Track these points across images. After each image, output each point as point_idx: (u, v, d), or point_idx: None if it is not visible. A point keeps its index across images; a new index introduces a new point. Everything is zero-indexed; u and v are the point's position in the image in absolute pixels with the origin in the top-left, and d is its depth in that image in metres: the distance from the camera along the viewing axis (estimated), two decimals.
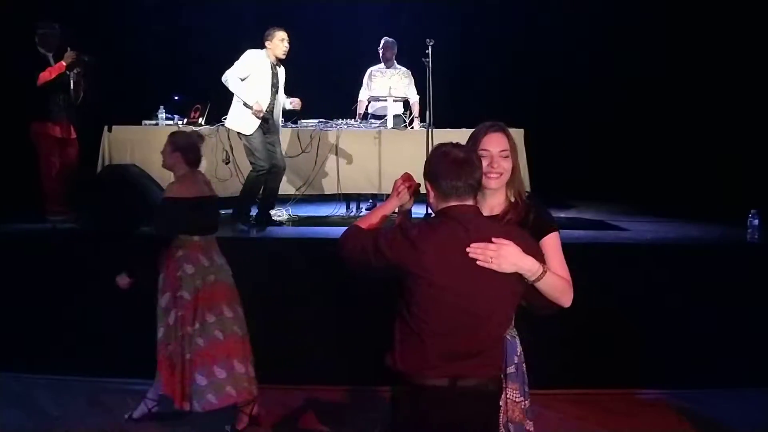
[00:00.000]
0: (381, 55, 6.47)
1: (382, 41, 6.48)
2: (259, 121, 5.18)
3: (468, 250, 1.91)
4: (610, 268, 4.39)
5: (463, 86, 7.47)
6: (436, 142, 5.27)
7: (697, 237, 5.03)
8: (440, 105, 5.39)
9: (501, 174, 2.14)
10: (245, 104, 5.18)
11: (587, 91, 7.43)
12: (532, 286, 2.01)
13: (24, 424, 3.71)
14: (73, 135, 5.71)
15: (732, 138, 6.63)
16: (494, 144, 2.16)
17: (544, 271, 1.99)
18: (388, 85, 6.08)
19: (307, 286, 4.35)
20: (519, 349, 2.20)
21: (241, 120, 5.25)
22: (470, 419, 1.97)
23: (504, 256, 1.91)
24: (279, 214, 5.82)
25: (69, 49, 5.49)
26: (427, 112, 5.36)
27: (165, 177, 5.77)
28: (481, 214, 2.07)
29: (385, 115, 6.21)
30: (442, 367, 1.94)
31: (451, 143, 2.09)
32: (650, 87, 7.30)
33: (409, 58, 5.91)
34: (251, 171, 5.33)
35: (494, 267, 1.91)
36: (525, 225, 2.13)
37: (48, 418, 3.80)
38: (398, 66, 6.47)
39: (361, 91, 6.58)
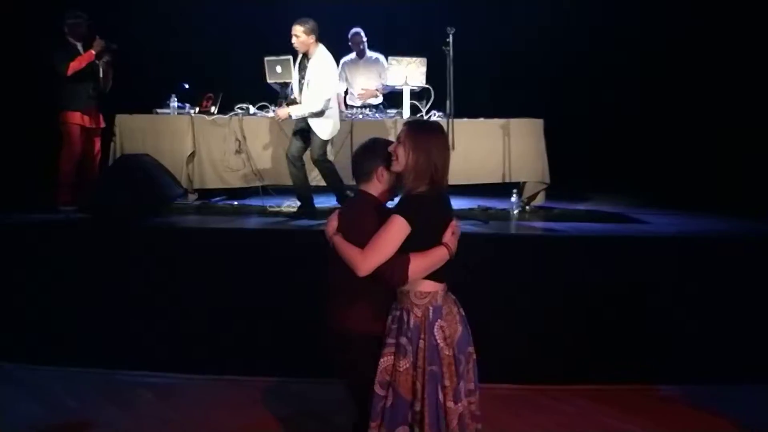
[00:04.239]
0: (356, 44, 6.52)
1: (352, 32, 6.52)
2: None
3: None
4: (632, 261, 4.31)
5: (479, 76, 7.36)
6: (455, 132, 5.29)
7: (722, 230, 4.93)
8: (460, 94, 5.30)
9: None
10: None
11: (606, 81, 7.34)
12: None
13: (40, 415, 3.66)
14: (102, 124, 5.74)
15: (757, 129, 6.51)
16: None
17: (331, 238, 2.43)
18: (404, 73, 5.98)
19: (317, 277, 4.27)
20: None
21: None
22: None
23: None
24: (292, 205, 5.74)
25: (98, 37, 5.47)
26: (448, 101, 5.27)
27: (177, 166, 5.76)
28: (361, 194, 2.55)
29: (362, 105, 6.39)
30: None
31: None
32: (672, 77, 7.20)
33: (429, 47, 5.80)
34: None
35: None
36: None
37: (64, 409, 3.75)
38: (371, 53, 6.55)
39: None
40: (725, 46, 6.87)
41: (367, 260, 2.27)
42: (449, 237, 2.34)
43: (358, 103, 6.54)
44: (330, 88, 4.99)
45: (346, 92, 6.66)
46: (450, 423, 2.27)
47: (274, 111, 5.62)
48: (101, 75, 5.58)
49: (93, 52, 5.45)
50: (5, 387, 4.03)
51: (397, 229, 2.27)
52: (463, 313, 2.42)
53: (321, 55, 4.95)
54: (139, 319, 4.30)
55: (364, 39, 6.53)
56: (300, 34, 4.86)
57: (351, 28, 6.59)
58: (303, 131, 5.11)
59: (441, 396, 2.27)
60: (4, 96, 6.56)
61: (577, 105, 7.31)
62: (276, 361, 4.20)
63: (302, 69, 5.07)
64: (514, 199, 5.74)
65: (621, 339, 4.17)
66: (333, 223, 2.47)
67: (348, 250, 2.34)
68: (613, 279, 4.24)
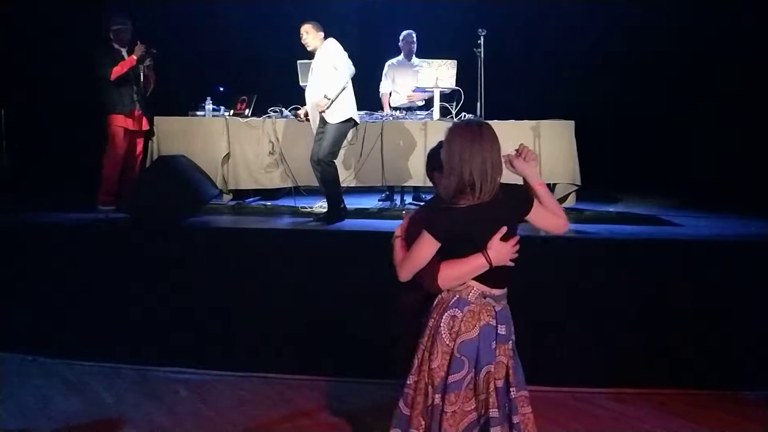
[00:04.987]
0: (403, 47, 6.50)
1: (405, 33, 6.49)
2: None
3: None
4: (666, 264, 4.26)
5: (509, 77, 7.34)
6: None
7: (756, 233, 4.83)
8: (490, 96, 5.29)
9: None
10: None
11: (637, 83, 7.25)
12: None
13: (78, 410, 3.77)
14: (146, 126, 5.91)
15: None
16: None
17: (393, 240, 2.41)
18: (435, 75, 5.99)
19: (349, 278, 4.32)
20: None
21: None
22: None
23: None
24: (323, 206, 5.81)
25: (138, 42, 5.67)
26: (479, 103, 5.26)
27: (212, 167, 5.87)
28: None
29: (408, 107, 6.34)
30: None
31: None
32: (706, 76, 7.08)
33: (460, 48, 5.80)
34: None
35: None
36: None
37: (101, 404, 3.86)
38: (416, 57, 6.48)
39: (382, 84, 6.59)
40: (759, 44, 6.72)
41: (402, 270, 2.29)
42: (495, 244, 2.21)
43: (406, 104, 6.53)
44: (348, 63, 5.06)
45: (390, 93, 6.64)
46: (413, 401, 2.29)
47: (299, 113, 5.62)
48: (142, 79, 5.75)
49: (134, 57, 5.63)
50: (45, 381, 4.15)
51: (425, 245, 2.22)
52: (501, 332, 2.26)
53: (330, 42, 5.09)
54: (173, 316, 4.40)
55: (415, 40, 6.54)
56: (310, 31, 5.04)
57: (383, 30, 6.63)
58: (322, 134, 5.16)
59: (426, 377, 2.27)
60: (59, 99, 6.80)
61: (608, 106, 7.24)
62: (305, 360, 4.26)
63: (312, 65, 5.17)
64: None
65: (655, 342, 4.11)
66: (402, 223, 2.43)
67: (395, 256, 2.35)
68: (644, 281, 4.19)
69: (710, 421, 3.71)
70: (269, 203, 6.27)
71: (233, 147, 6.05)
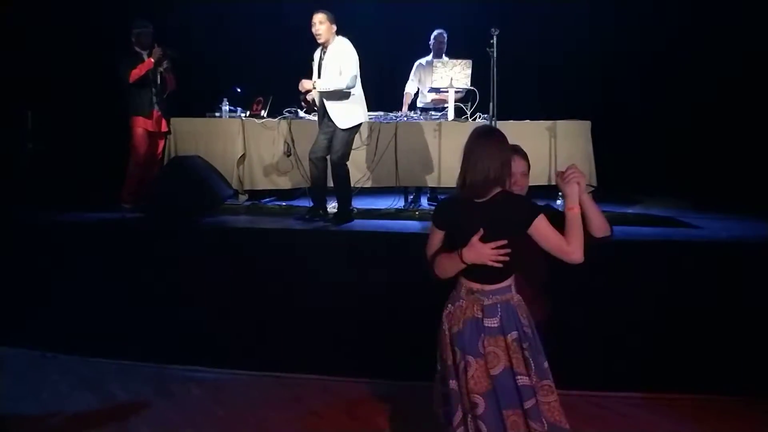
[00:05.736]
0: (433, 45, 6.45)
1: (436, 32, 6.43)
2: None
3: None
4: (684, 266, 4.19)
5: (525, 77, 7.29)
6: None
7: None
8: (504, 96, 5.26)
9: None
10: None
11: (654, 83, 7.16)
12: None
13: (94, 405, 3.84)
14: (164, 128, 5.99)
15: None
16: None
17: None
18: (449, 75, 5.97)
19: (363, 278, 4.33)
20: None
21: None
22: None
23: None
24: (334, 206, 5.82)
25: (156, 45, 5.76)
26: (491, 104, 5.23)
27: (228, 168, 5.93)
28: None
29: (434, 107, 6.30)
30: None
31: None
32: (724, 76, 6.95)
33: (473, 48, 5.77)
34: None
35: None
36: None
37: (115, 401, 3.92)
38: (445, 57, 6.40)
39: (408, 84, 6.55)
40: None
41: (426, 257, 2.55)
42: (472, 243, 2.36)
43: (432, 105, 6.49)
44: (355, 70, 4.96)
45: (416, 93, 6.63)
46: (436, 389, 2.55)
47: (306, 98, 5.44)
48: (159, 81, 5.84)
49: (152, 60, 5.71)
50: (62, 377, 4.22)
51: (431, 232, 2.51)
52: (490, 325, 2.38)
53: (344, 41, 4.99)
54: (188, 315, 4.45)
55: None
56: (324, 21, 4.90)
57: (400, 29, 6.61)
58: (328, 132, 5.10)
59: (439, 366, 2.54)
60: (89, 102, 6.93)
61: (625, 106, 7.16)
62: (317, 360, 4.28)
63: (321, 60, 5.06)
64: (560, 202, 5.66)
65: (668, 345, 4.06)
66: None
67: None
68: (657, 283, 4.14)
69: (722, 427, 3.66)
70: (284, 203, 6.30)
71: (249, 148, 6.09)
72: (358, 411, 3.79)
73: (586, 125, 5.88)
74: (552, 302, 2.77)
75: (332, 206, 5.74)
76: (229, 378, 4.27)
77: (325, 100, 5.00)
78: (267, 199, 6.54)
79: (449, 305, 2.47)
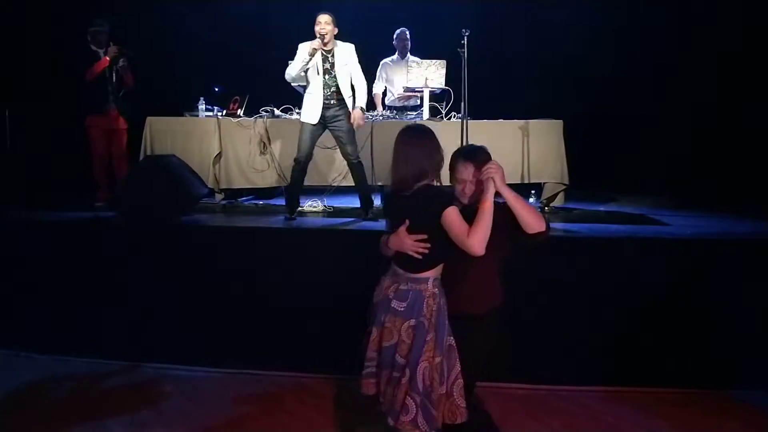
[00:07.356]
0: (397, 44, 6.54)
1: (399, 31, 6.52)
2: (312, 114, 5.18)
3: None
4: (648, 262, 4.29)
5: (500, 77, 7.37)
6: (472, 133, 5.32)
7: (743, 232, 4.86)
8: (475, 96, 5.33)
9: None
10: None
11: (626, 82, 7.27)
12: None
13: (67, 405, 3.86)
14: (122, 126, 5.97)
15: None
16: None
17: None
18: (424, 75, 6.03)
19: (338, 276, 4.38)
20: None
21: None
22: None
23: None
24: (314, 204, 5.87)
25: (111, 44, 5.76)
26: (462, 103, 5.30)
27: (204, 167, 5.93)
28: None
29: (402, 106, 6.40)
30: None
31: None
32: (696, 76, 7.09)
33: (444, 48, 5.83)
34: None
35: None
36: None
37: (90, 400, 3.93)
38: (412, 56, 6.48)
39: (375, 84, 6.62)
40: (749, 45, 6.75)
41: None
42: (398, 231, 2.60)
43: (399, 103, 6.57)
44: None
45: (384, 93, 6.70)
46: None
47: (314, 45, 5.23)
48: (114, 80, 5.83)
49: (107, 58, 5.72)
50: (36, 377, 4.23)
51: None
52: (397, 307, 2.59)
53: (351, 46, 5.22)
54: (163, 314, 4.48)
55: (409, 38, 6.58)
56: (330, 23, 5.07)
57: (378, 29, 6.64)
58: (317, 135, 5.23)
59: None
60: (59, 99, 6.89)
61: (597, 105, 7.25)
62: (293, 358, 4.33)
63: (324, 60, 5.15)
64: (532, 200, 5.76)
65: (636, 341, 4.16)
66: None
67: None
68: (625, 280, 4.23)
69: (690, 419, 3.76)
70: (261, 202, 6.33)
71: (225, 146, 6.10)
72: (331, 408, 3.84)
73: (558, 124, 5.96)
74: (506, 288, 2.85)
75: (309, 204, 5.82)
76: (203, 375, 4.31)
77: (349, 108, 5.22)
78: (244, 198, 6.56)
79: (381, 279, 2.74)
